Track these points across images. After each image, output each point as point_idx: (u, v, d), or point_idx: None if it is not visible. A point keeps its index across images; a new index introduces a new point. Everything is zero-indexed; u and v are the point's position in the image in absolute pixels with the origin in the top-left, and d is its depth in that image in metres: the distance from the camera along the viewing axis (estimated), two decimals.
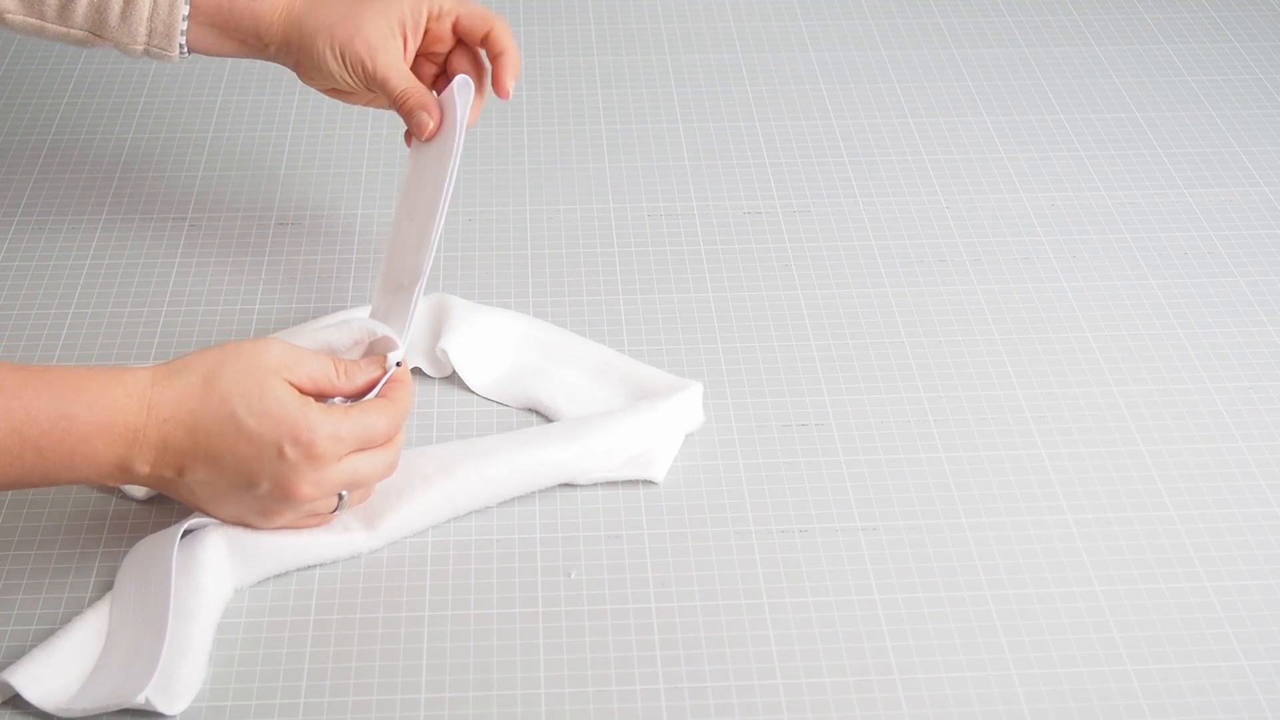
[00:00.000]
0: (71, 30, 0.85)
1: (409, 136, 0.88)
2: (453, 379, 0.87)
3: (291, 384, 0.70)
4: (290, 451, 0.69)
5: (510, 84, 0.86)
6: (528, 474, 0.79)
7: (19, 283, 0.94)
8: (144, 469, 0.69)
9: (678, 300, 0.94)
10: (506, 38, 0.86)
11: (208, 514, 0.73)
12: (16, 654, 0.71)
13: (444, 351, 0.86)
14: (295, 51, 0.86)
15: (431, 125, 0.84)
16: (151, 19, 0.84)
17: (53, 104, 1.11)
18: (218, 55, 0.88)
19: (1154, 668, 0.72)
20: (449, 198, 0.81)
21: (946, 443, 0.84)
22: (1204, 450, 0.85)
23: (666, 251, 0.98)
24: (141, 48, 0.85)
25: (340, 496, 0.73)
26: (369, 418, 0.71)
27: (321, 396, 0.72)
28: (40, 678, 0.69)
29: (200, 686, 0.70)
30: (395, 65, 0.85)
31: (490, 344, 0.88)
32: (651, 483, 0.81)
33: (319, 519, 0.75)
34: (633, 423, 0.81)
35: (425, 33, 0.87)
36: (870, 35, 1.24)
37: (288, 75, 1.14)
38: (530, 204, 1.02)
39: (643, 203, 1.03)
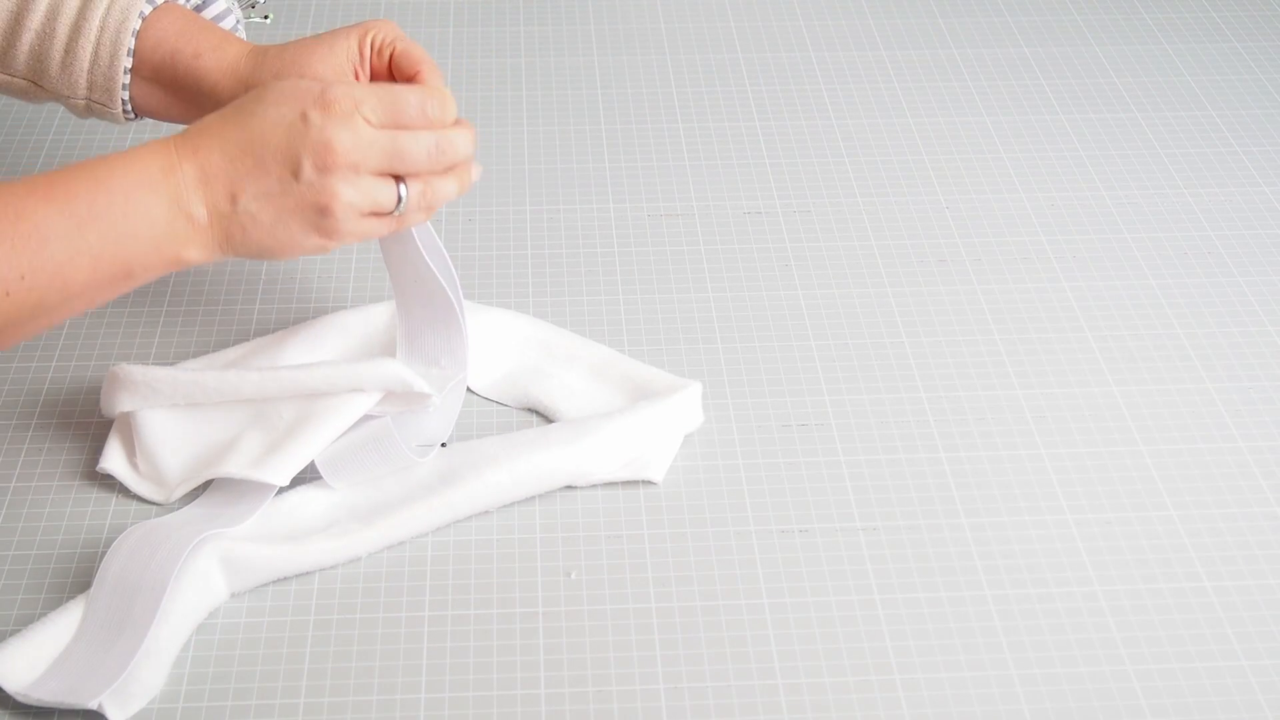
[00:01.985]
0: (14, 79, 0.80)
1: None
2: None
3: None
4: (313, 115, 0.67)
5: None
6: (529, 479, 0.79)
7: None
8: (200, 210, 0.67)
9: (678, 300, 0.94)
10: (435, 79, 0.80)
11: (277, 253, 0.70)
12: None
13: None
14: None
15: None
16: (91, 70, 0.79)
17: (52, 104, 1.11)
18: (168, 120, 0.82)
19: (1154, 668, 0.72)
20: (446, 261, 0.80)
21: (946, 443, 0.84)
22: (1204, 450, 0.85)
23: (666, 251, 0.98)
24: (83, 102, 0.80)
25: (399, 196, 0.70)
26: (392, 88, 0.70)
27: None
28: (7, 657, 0.69)
29: (157, 692, 0.69)
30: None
31: (491, 344, 0.88)
32: (651, 483, 0.81)
33: (385, 221, 0.71)
34: (632, 423, 0.81)
35: (371, 72, 0.82)
36: (870, 35, 1.24)
37: None
38: (530, 204, 1.02)
39: (643, 203, 1.03)
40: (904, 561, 0.77)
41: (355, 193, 0.69)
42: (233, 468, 0.76)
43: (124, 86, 0.79)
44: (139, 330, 0.91)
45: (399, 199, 0.71)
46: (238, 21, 0.87)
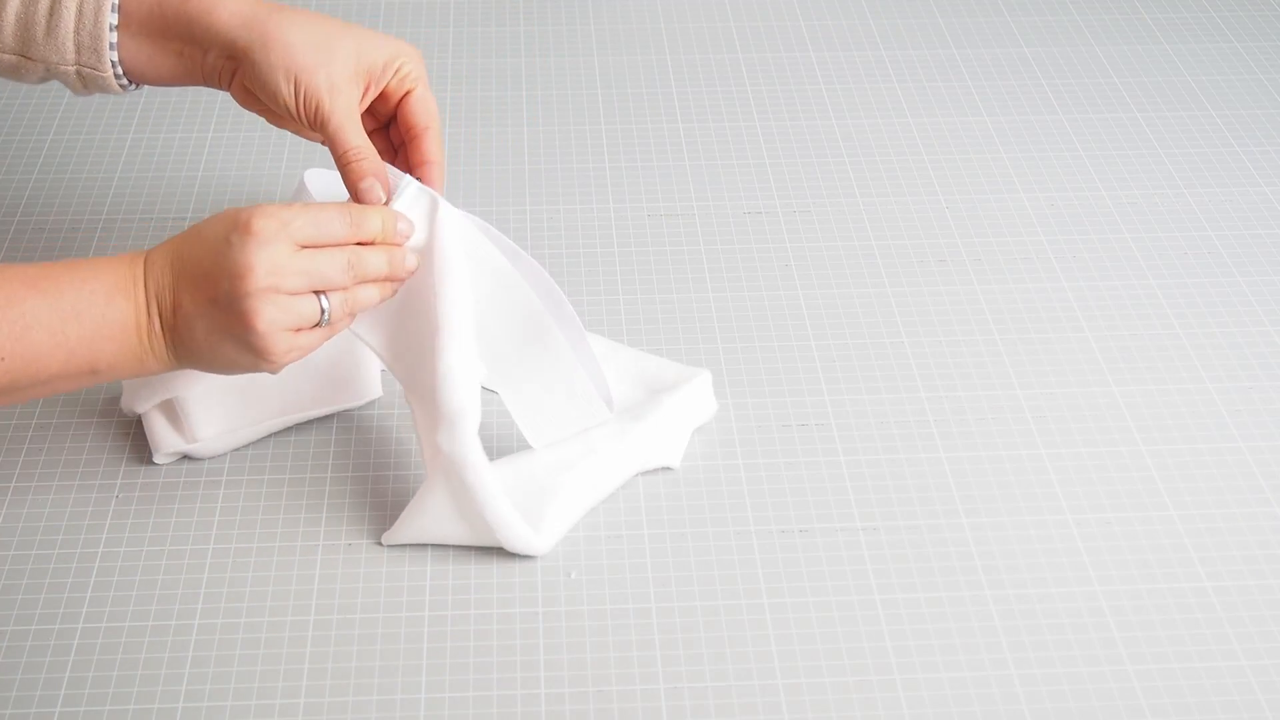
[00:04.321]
0: (4, 55, 0.79)
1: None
2: None
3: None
4: (234, 238, 0.68)
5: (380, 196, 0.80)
6: (592, 497, 0.80)
7: None
8: (155, 319, 0.69)
9: (678, 300, 0.94)
10: (436, 148, 0.80)
11: (219, 368, 0.72)
12: (16, 653, 0.71)
13: None
14: (241, 57, 0.77)
15: (382, 197, 0.76)
16: (78, 31, 0.78)
17: (52, 104, 1.12)
18: (155, 80, 0.80)
19: (1154, 668, 0.72)
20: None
21: (946, 443, 0.84)
22: (1204, 450, 0.85)
23: (666, 251, 0.98)
24: (73, 69, 0.79)
25: (322, 308, 0.71)
26: (320, 210, 0.71)
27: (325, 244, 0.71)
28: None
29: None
30: (351, 115, 0.77)
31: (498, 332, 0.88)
32: (669, 469, 0.81)
33: (315, 334, 0.72)
34: (658, 419, 0.81)
35: (381, 92, 0.80)
36: (870, 35, 1.24)
37: None
38: (530, 204, 1.02)
39: (643, 203, 1.03)
40: (904, 561, 0.77)
41: (276, 310, 0.69)
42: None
43: (112, 46, 0.78)
44: None
45: (322, 311, 0.71)
46: None
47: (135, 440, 0.83)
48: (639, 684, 0.71)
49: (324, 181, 0.85)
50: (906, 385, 0.88)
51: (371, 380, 0.85)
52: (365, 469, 0.82)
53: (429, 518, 0.77)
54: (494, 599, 0.75)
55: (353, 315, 0.74)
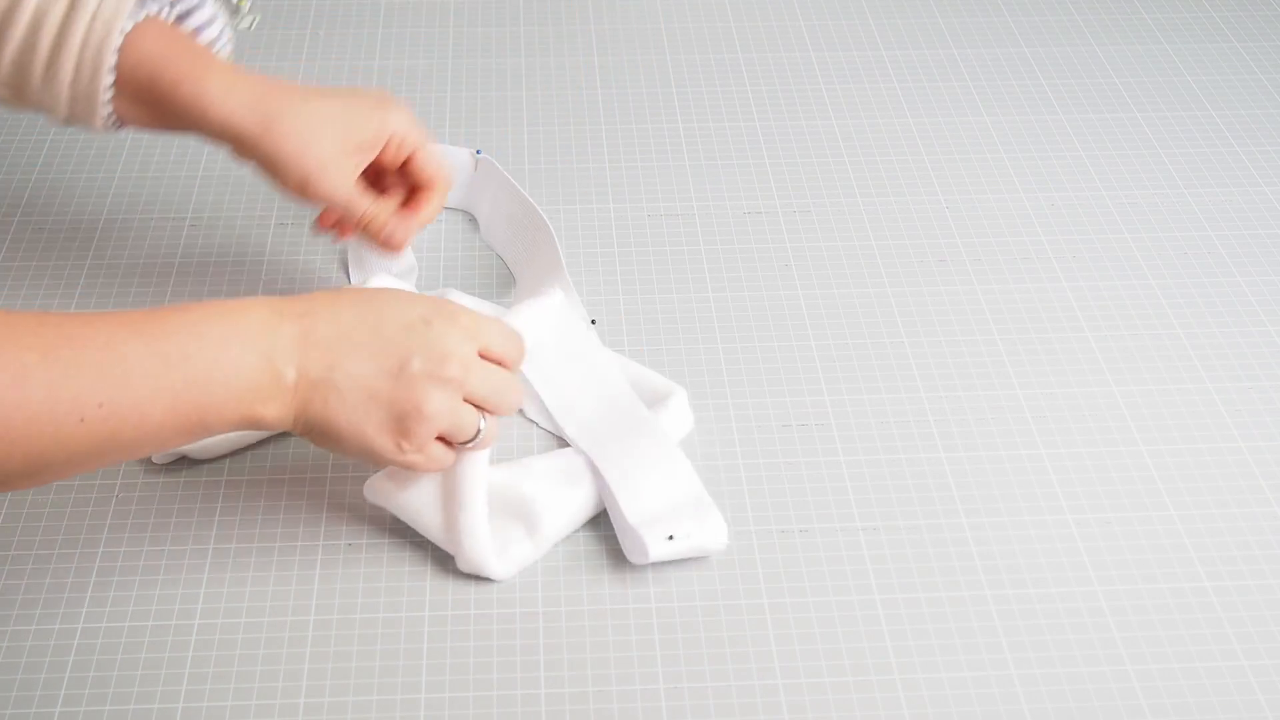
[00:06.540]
0: None
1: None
2: None
3: None
4: (437, 322, 0.69)
5: (403, 239, 0.85)
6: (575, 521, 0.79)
7: (19, 282, 0.94)
8: (289, 370, 0.67)
9: (678, 300, 0.94)
10: (437, 205, 0.86)
11: (345, 439, 0.69)
12: (16, 653, 0.71)
13: None
14: (237, 153, 0.81)
15: (403, 238, 0.84)
16: (73, 85, 0.77)
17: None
18: (153, 131, 0.82)
19: (1154, 668, 0.72)
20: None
21: (946, 443, 0.84)
22: (1204, 450, 0.85)
23: (666, 251, 0.98)
24: (64, 115, 0.78)
25: (479, 429, 0.71)
26: (498, 325, 0.73)
27: None
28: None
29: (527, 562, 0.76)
30: (343, 186, 0.82)
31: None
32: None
33: (447, 452, 0.72)
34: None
35: (375, 160, 0.84)
36: (870, 35, 1.24)
37: (287, 69, 1.14)
38: None
39: (643, 203, 1.03)
40: (904, 561, 0.77)
41: (447, 405, 0.70)
42: None
43: (105, 103, 0.78)
44: None
45: (477, 431, 0.72)
46: (222, 29, 0.85)
47: None
48: (639, 684, 0.71)
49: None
50: (906, 385, 0.88)
51: None
52: (365, 469, 0.82)
53: (415, 494, 0.76)
54: (494, 599, 0.75)
55: (487, 445, 0.73)
